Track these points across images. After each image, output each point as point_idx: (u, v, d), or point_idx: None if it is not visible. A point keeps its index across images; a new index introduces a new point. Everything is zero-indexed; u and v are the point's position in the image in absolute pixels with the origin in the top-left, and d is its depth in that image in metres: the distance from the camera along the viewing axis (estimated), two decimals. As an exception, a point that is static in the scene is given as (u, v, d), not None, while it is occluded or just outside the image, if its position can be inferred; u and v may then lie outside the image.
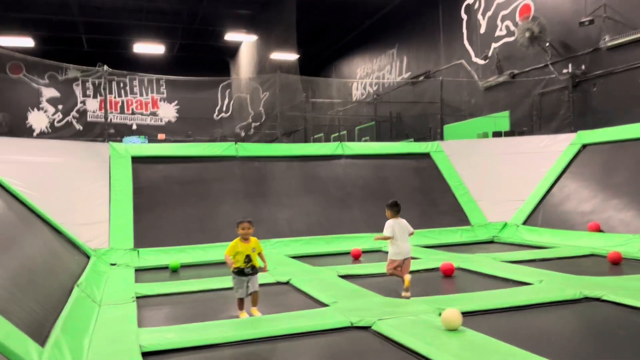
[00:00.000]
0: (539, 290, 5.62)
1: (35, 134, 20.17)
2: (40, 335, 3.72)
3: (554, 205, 10.57)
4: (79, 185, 9.73)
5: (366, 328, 4.59)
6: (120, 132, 21.77)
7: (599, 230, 9.15)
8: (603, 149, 10.71)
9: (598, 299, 5.28)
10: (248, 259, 5.17)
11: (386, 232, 6.12)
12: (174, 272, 7.94)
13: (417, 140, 16.17)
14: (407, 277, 5.66)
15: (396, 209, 6.23)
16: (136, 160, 10.65)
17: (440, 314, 4.73)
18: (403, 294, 5.58)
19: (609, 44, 11.66)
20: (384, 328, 4.43)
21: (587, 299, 5.33)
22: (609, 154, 10.47)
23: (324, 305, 5.41)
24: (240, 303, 5.24)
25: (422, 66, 18.83)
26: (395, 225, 6.14)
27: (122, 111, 24.29)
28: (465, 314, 4.61)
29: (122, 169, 10.34)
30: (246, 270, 5.16)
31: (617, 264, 7.39)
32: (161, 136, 22.85)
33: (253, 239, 5.28)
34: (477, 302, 5.19)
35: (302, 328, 4.57)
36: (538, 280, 6.10)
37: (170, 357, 4.07)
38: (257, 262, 5.28)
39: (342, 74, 25.43)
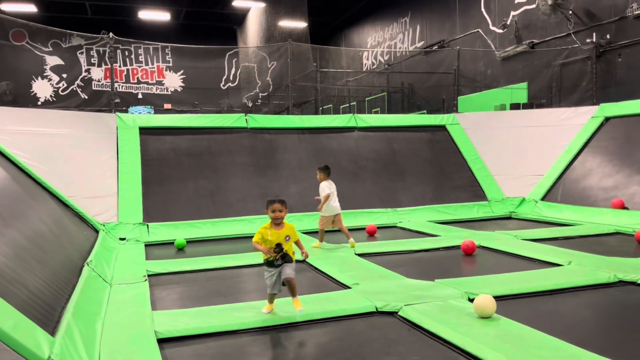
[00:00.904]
0: (570, 273, 5.35)
1: (39, 102, 19.87)
2: (51, 322, 3.50)
3: (575, 180, 10.24)
4: (86, 157, 9.46)
5: (392, 313, 4.35)
6: (125, 102, 21.42)
7: (623, 207, 8.84)
8: (627, 122, 10.30)
9: (634, 283, 5.02)
10: (279, 248, 4.20)
11: (326, 191, 7.44)
12: (180, 250, 7.67)
13: (429, 112, 15.75)
14: (351, 241, 7.18)
15: (328, 171, 7.70)
16: (144, 131, 10.35)
17: (469, 299, 4.50)
18: (350, 244, 7.07)
19: (637, 12, 11.12)
20: (411, 314, 4.19)
21: (621, 283, 5.07)
22: (634, 128, 10.07)
23: (345, 287, 5.18)
24: (271, 298, 4.37)
25: (435, 35, 18.24)
26: (330, 186, 7.52)
27: (127, 80, 23.88)
28: (495, 298, 4.36)
29: (130, 141, 10.05)
30: (276, 262, 4.22)
31: (645, 244, 7.11)
32: (167, 106, 22.51)
33: (288, 224, 4.27)
34: (507, 285, 4.93)
35: (325, 313, 4.33)
36: (567, 262, 5.84)
37: (188, 344, 3.86)
38: (292, 252, 4.34)
39: (352, 43, 24.79)
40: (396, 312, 4.33)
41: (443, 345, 3.66)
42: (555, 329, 3.83)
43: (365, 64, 23.28)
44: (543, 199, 10.34)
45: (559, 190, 10.31)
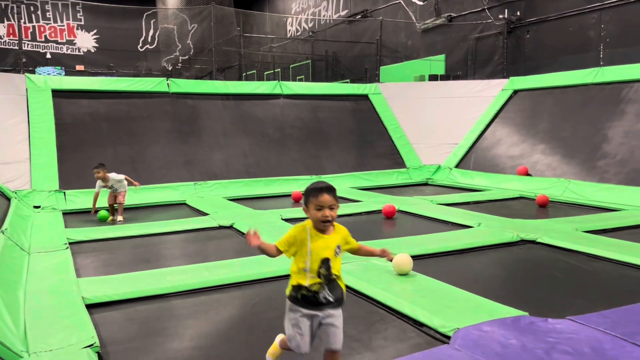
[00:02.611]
0: (480, 234, 5.84)
1: None
2: (-30, 291, 3.39)
3: (486, 149, 10.96)
4: (-8, 121, 8.85)
5: (318, 274, 4.57)
6: (33, 62, 19.99)
7: (527, 173, 9.62)
8: (533, 95, 11.11)
9: (533, 242, 5.57)
10: (326, 268, 2.48)
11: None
12: (103, 221, 7.35)
13: (353, 81, 16.03)
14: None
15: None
16: (57, 94, 9.80)
17: (391, 260, 4.80)
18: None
19: (545, -9, 11.87)
20: (336, 274, 4.43)
21: (523, 242, 5.61)
22: (538, 100, 10.89)
23: (272, 250, 5.33)
24: (284, 346, 2.74)
25: (359, 4, 18.42)
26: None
27: (33, 38, 22.15)
28: (413, 257, 4.70)
29: (42, 104, 9.49)
30: (321, 295, 2.47)
31: (544, 207, 7.83)
32: (79, 67, 21.21)
33: (338, 226, 2.59)
34: (423, 245, 5.31)
35: (253, 275, 4.48)
36: (477, 224, 6.34)
37: (117, 309, 3.87)
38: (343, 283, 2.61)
39: (277, 9, 24.43)
40: (322, 273, 4.56)
41: (366, 301, 3.93)
42: (465, 283, 4.21)
43: (289, 31, 23.10)
44: (457, 166, 11.00)
45: (471, 158, 11.01)
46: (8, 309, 3.40)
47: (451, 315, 3.41)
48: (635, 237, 5.64)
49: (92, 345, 3.03)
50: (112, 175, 7.38)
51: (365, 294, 3.99)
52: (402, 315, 3.59)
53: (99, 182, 7.32)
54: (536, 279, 4.55)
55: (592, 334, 3.05)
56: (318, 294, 2.46)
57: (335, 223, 2.56)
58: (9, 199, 7.56)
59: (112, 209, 7.37)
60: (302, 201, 2.59)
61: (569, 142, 9.55)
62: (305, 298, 2.47)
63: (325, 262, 2.47)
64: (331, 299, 2.48)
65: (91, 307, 3.80)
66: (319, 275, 2.46)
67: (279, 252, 2.54)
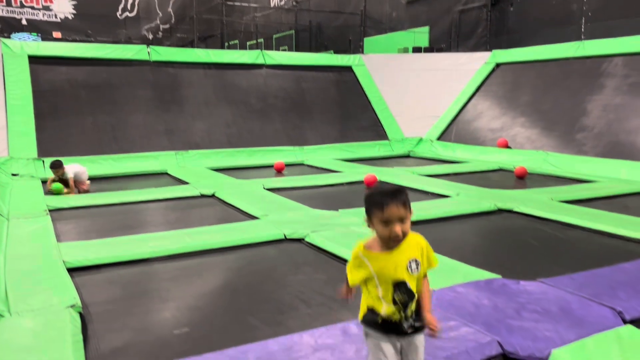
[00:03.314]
0: (458, 203, 5.95)
1: None
2: (-51, 253, 3.38)
3: (467, 121, 11.05)
4: (-33, 87, 8.65)
5: (299, 240, 4.64)
6: (8, 27, 19.43)
7: (507, 146, 9.75)
8: (515, 68, 11.17)
9: (510, 211, 5.70)
10: (403, 292, 1.99)
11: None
12: (57, 194, 6.82)
13: (336, 52, 15.90)
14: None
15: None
16: (34, 60, 9.58)
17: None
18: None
19: (530, -37, 11.84)
20: (317, 240, 4.50)
21: (500, 211, 5.73)
22: (521, 74, 10.96)
23: (254, 218, 5.38)
24: None
25: (344, -26, 18.15)
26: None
27: (8, 3, 21.48)
28: (393, 225, 4.79)
29: (18, 70, 9.29)
30: (406, 325, 2.02)
31: (522, 178, 7.97)
32: (57, 34, 20.68)
33: (415, 237, 2.06)
34: (403, 214, 5.39)
35: (235, 241, 4.53)
36: (455, 193, 6.45)
37: (99, 272, 3.90)
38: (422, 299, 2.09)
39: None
40: (303, 239, 4.63)
41: (344, 265, 3.99)
42: (442, 249, 4.24)
43: (273, 0, 22.73)
44: (439, 138, 11.09)
45: (452, 131, 11.10)
46: (-12, 271, 3.40)
47: (427, 278, 3.50)
48: (608, 206, 5.79)
49: (73, 305, 3.07)
50: (72, 168, 7.00)
51: (344, 259, 4.06)
52: (380, 279, 3.67)
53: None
54: (511, 246, 4.68)
55: (561, 295, 3.17)
56: (401, 324, 1.99)
57: (411, 232, 2.01)
58: (-14, 166, 7.46)
59: (64, 182, 6.90)
60: (363, 214, 2.02)
61: (549, 115, 9.68)
62: (387, 324, 2.00)
63: (401, 286, 1.96)
64: (418, 325, 2.02)
65: (72, 270, 3.82)
66: (394, 302, 1.97)
67: (354, 287, 2.09)
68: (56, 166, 6.85)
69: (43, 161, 8.24)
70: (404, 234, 1.95)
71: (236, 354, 2.52)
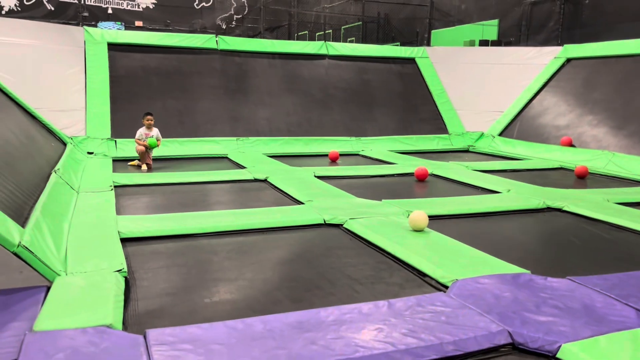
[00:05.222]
0: (506, 199, 5.86)
1: (4, 11, 19.07)
2: (20, 217, 3.80)
3: (531, 118, 10.70)
4: (53, 70, 9.42)
5: (338, 226, 4.79)
6: (94, 16, 20.71)
7: (570, 144, 9.38)
8: (587, 64, 10.68)
9: (560, 210, 5.56)
10: None
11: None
12: (151, 148, 7.91)
13: (403, 44, 15.81)
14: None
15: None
16: (112, 47, 10.27)
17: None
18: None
19: (609, -47, 11.22)
20: (354, 226, 4.63)
21: (549, 209, 5.61)
22: (592, 70, 10.46)
23: (299, 202, 5.59)
24: None
25: (415, -35, 17.93)
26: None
27: (96, -6, 22.92)
28: (433, 217, 4.84)
29: (98, 56, 9.99)
30: None
31: (582, 178, 7.69)
32: (138, 23, 21.84)
33: None
34: (445, 206, 5.42)
35: (278, 223, 4.75)
36: (506, 190, 6.35)
37: (148, 244, 4.24)
38: None
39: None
40: (341, 225, 4.78)
41: (377, 252, 4.13)
42: (478, 243, 4.31)
43: (343, -9, 22.81)
44: (501, 134, 10.83)
45: (515, 127, 10.79)
46: (52, 236, 3.81)
47: (454, 269, 3.56)
48: (668, 211, 5.51)
49: (120, 270, 3.39)
50: (156, 130, 7.89)
51: (377, 245, 4.18)
52: (408, 266, 3.77)
53: (141, 131, 7.79)
54: (551, 244, 4.60)
55: (587, 293, 3.13)
56: None
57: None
58: (65, 144, 8.14)
59: (142, 158, 7.84)
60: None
61: (619, 114, 9.21)
62: None
63: None
64: None
65: (125, 240, 4.18)
66: None
67: None
68: (151, 114, 8.06)
69: (115, 142, 8.87)
70: None
71: (254, 322, 2.72)
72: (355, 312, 2.89)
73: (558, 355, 2.53)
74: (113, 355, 2.37)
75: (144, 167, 7.74)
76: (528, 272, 3.53)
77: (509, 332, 2.67)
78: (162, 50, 10.69)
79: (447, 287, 3.32)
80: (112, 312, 2.81)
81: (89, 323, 2.65)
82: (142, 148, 7.73)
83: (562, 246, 4.48)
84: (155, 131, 7.98)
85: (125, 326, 2.80)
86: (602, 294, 3.11)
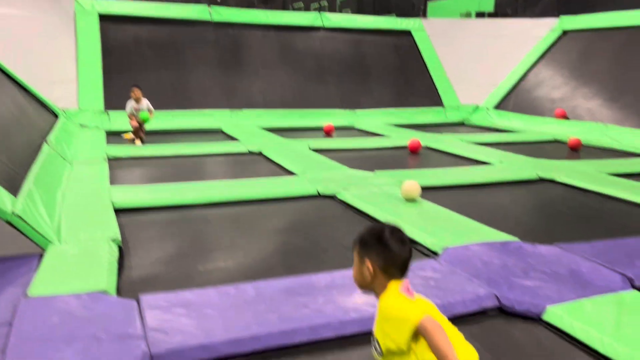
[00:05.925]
0: (499, 171, 5.90)
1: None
2: (13, 187, 3.80)
3: (527, 90, 10.68)
4: (42, 41, 9.29)
5: (331, 197, 4.82)
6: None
7: (565, 117, 9.39)
8: (583, 36, 10.61)
9: (552, 181, 5.60)
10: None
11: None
12: (144, 122, 7.73)
13: (399, 16, 15.60)
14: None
15: None
16: (104, 18, 10.12)
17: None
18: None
19: None
20: (347, 197, 4.66)
21: (541, 180, 5.64)
22: (589, 42, 10.41)
23: (293, 174, 5.60)
24: None
25: None
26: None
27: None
28: (426, 188, 4.86)
29: (89, 27, 9.85)
30: None
31: (576, 150, 7.71)
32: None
33: (391, 303, 1.59)
34: (438, 177, 5.44)
35: (272, 194, 4.77)
36: (499, 161, 6.37)
37: (142, 214, 4.25)
38: None
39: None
40: (335, 196, 4.80)
41: (369, 221, 4.15)
42: (470, 212, 4.34)
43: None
44: (496, 107, 10.81)
45: (511, 99, 10.77)
46: (45, 205, 3.82)
47: (445, 237, 3.60)
48: (659, 182, 5.56)
49: (114, 239, 3.42)
50: (145, 101, 7.73)
51: (369, 214, 4.22)
52: (399, 234, 3.80)
53: (131, 104, 7.65)
54: (543, 214, 4.65)
55: (574, 259, 3.18)
56: None
57: (386, 293, 1.59)
58: (57, 116, 8.08)
59: (136, 132, 7.63)
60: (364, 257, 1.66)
61: (614, 86, 9.20)
62: None
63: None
64: None
65: (119, 211, 4.19)
66: None
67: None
68: (139, 87, 7.76)
69: (108, 114, 8.81)
70: (357, 281, 1.67)
71: (246, 287, 2.76)
72: (346, 277, 2.92)
73: (543, 318, 2.58)
74: (107, 319, 2.40)
75: (138, 142, 7.60)
76: (517, 239, 3.57)
77: (496, 296, 2.72)
78: (154, 22, 10.54)
79: (437, 254, 3.37)
80: (106, 278, 2.85)
81: (83, 289, 2.68)
82: (137, 124, 7.59)
83: (552, 216, 4.53)
84: (145, 102, 7.78)
85: (119, 292, 2.83)
86: (589, 260, 3.17)
